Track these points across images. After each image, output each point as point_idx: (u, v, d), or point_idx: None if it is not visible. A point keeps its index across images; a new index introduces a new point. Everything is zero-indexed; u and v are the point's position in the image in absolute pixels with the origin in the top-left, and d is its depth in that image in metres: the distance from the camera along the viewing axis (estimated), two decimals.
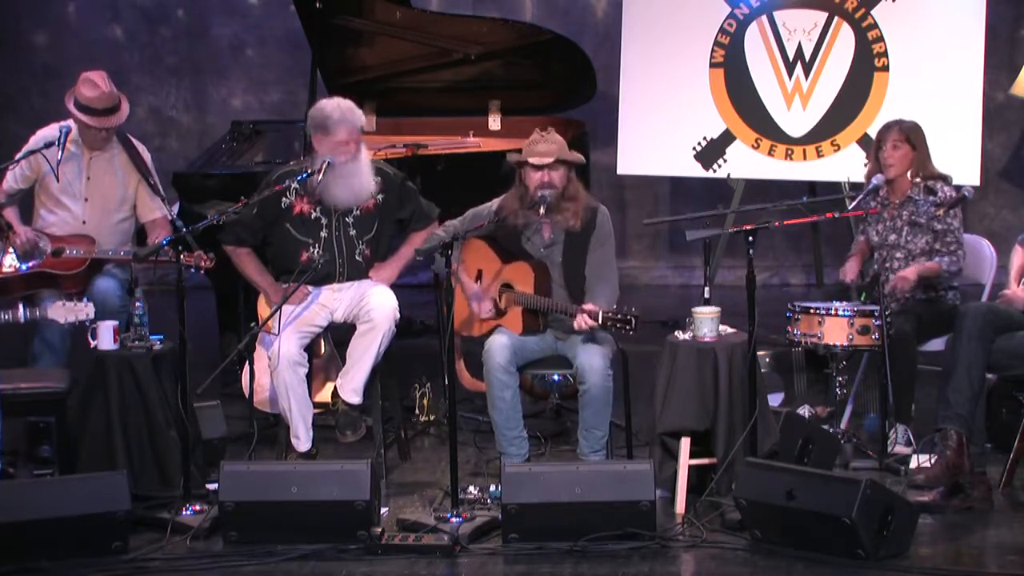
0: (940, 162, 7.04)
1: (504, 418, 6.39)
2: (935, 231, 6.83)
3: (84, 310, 6.25)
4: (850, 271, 6.97)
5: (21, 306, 6.28)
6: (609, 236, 6.52)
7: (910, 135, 6.89)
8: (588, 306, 6.22)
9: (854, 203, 6.86)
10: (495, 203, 6.57)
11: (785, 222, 6.45)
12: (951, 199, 6.76)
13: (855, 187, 7.29)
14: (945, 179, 6.91)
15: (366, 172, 6.57)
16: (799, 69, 8.81)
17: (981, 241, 7.28)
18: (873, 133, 7.67)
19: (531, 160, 6.40)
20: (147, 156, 7.21)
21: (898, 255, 6.88)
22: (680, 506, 6.07)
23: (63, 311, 6.23)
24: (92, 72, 6.99)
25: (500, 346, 6.38)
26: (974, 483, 6.07)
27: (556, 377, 6.81)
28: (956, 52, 8.57)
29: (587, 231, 6.48)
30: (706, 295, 6.41)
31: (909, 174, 6.89)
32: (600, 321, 6.14)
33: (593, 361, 6.29)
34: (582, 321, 6.18)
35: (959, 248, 6.82)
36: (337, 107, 6.49)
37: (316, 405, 6.55)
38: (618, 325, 6.11)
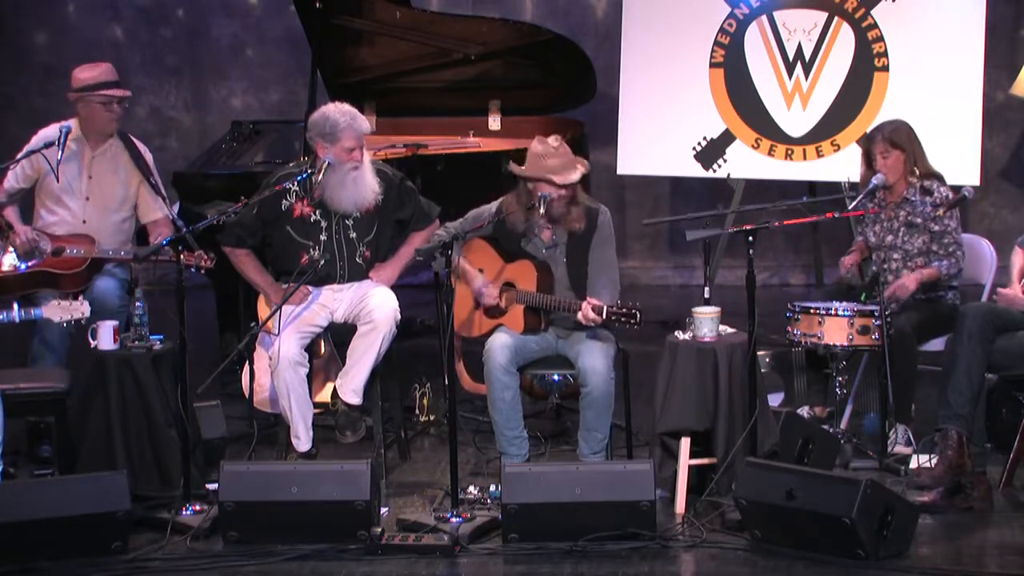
0: (940, 162, 7.03)
1: (504, 418, 6.40)
2: (932, 232, 6.82)
3: (80, 308, 6.22)
4: (847, 261, 6.99)
5: (16, 305, 6.26)
6: (610, 236, 6.52)
7: (895, 139, 6.83)
8: (593, 301, 6.22)
9: (854, 203, 6.85)
10: (495, 204, 6.56)
11: (785, 222, 6.45)
12: (950, 200, 6.74)
13: (855, 187, 7.28)
14: (939, 178, 6.90)
15: (370, 179, 6.56)
16: (799, 69, 8.80)
17: (981, 241, 7.27)
18: None
19: (555, 180, 6.34)
20: (149, 156, 7.21)
21: (896, 256, 6.87)
22: (680, 506, 6.07)
23: (58, 310, 6.20)
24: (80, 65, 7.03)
25: (501, 346, 6.37)
26: (974, 483, 6.06)
27: (556, 377, 6.80)
28: (956, 52, 8.55)
29: (589, 231, 6.47)
30: (706, 295, 6.41)
31: (905, 175, 6.88)
32: (604, 316, 6.14)
33: (596, 364, 6.29)
34: (588, 312, 6.17)
35: (958, 249, 6.80)
36: (343, 114, 6.47)
37: (316, 405, 6.55)
38: (623, 319, 6.12)
